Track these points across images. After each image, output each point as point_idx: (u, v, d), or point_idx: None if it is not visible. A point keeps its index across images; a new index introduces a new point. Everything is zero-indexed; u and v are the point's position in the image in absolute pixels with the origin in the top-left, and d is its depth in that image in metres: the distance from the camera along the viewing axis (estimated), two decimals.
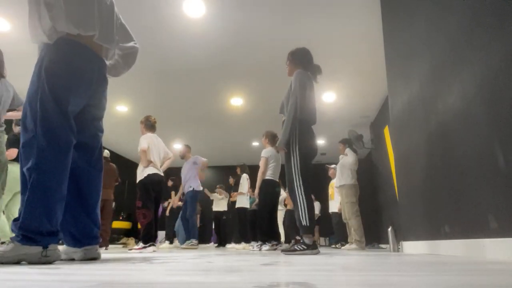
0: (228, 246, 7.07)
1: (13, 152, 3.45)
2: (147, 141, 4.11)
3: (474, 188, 1.86)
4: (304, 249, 2.57)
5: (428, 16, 2.46)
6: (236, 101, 6.47)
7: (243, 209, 6.17)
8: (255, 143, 9.05)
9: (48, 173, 1.49)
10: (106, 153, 5.59)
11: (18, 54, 4.86)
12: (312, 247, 2.58)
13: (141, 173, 4.06)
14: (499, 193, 1.62)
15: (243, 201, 6.18)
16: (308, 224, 2.59)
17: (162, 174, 4.18)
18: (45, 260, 1.42)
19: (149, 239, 3.84)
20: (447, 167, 2.22)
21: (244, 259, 1.78)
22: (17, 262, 1.40)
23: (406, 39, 2.97)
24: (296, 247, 2.61)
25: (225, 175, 8.54)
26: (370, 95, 6.12)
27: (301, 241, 2.63)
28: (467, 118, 1.92)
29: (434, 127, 2.41)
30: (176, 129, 8.03)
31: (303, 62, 3.02)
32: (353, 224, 4.83)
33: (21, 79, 5.53)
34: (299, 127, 2.77)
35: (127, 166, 10.46)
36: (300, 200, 2.64)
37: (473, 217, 1.89)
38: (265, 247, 4.35)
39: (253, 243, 4.78)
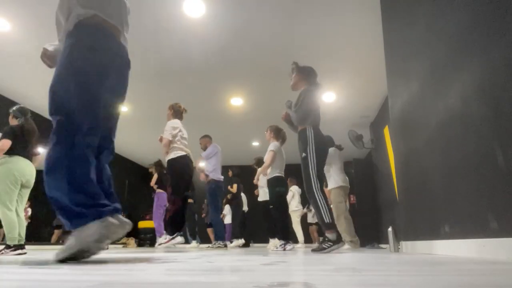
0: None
1: (4, 145, 3.25)
2: (175, 124, 4.05)
3: (474, 188, 1.86)
4: (331, 246, 2.88)
5: (428, 16, 2.45)
6: (236, 101, 6.47)
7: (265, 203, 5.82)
8: (255, 143, 9.04)
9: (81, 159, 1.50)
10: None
11: (18, 54, 4.85)
12: (337, 242, 2.89)
13: (172, 155, 3.94)
14: (499, 193, 1.62)
15: (263, 194, 5.87)
16: (330, 221, 2.93)
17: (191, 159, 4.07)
18: (108, 231, 1.41)
19: (174, 228, 3.73)
20: (447, 167, 2.22)
21: (244, 259, 1.78)
22: (83, 256, 1.40)
23: (406, 39, 2.96)
24: (324, 246, 2.92)
25: (225, 175, 8.56)
26: (370, 95, 6.12)
27: (326, 239, 2.93)
28: (467, 118, 1.92)
29: (434, 127, 2.41)
30: None
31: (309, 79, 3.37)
32: (341, 224, 4.78)
33: (21, 79, 5.53)
34: (313, 132, 3.15)
35: (127, 166, 10.46)
36: (319, 201, 2.98)
37: (473, 217, 1.89)
38: (289, 246, 4.12)
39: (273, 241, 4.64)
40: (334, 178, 4.91)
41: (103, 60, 1.64)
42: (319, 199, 3.00)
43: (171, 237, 3.69)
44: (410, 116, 2.96)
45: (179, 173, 3.90)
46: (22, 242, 3.24)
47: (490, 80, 1.68)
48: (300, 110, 3.23)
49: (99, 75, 1.62)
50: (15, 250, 3.12)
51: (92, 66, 1.60)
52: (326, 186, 5.17)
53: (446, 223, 2.25)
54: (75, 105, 1.52)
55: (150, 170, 6.68)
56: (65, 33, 1.67)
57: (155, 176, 6.59)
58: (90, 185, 1.48)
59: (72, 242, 1.39)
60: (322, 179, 3.14)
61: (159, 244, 3.96)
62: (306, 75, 3.38)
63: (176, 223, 3.77)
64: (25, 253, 3.13)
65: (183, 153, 3.96)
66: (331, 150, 4.95)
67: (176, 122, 4.13)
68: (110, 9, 1.74)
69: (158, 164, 6.57)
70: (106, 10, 1.72)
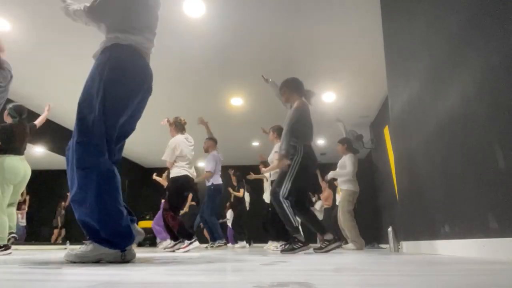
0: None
1: None
2: (176, 144, 4.15)
3: (474, 188, 1.86)
4: (327, 245, 3.01)
5: (428, 16, 2.45)
6: (236, 101, 6.47)
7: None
8: (255, 143, 9.04)
9: (109, 177, 1.54)
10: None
11: (18, 54, 4.85)
12: (334, 241, 3.00)
13: (173, 174, 4.10)
14: (499, 193, 1.62)
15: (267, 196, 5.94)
16: (297, 224, 2.99)
17: (193, 176, 4.22)
18: (123, 260, 1.49)
19: (188, 237, 3.89)
20: (446, 167, 2.22)
21: (244, 259, 1.78)
22: (97, 261, 1.46)
23: (406, 39, 2.97)
24: (322, 245, 3.05)
25: (226, 175, 8.56)
26: (370, 95, 6.12)
27: (296, 239, 2.96)
28: (467, 118, 1.92)
29: (434, 127, 2.41)
30: None
31: (298, 90, 3.34)
32: (345, 226, 4.78)
33: (21, 80, 5.53)
34: (303, 152, 3.07)
35: (127, 166, 10.46)
36: (285, 205, 2.99)
37: (473, 217, 1.89)
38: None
39: (274, 243, 4.59)
40: (349, 180, 4.88)
41: (132, 84, 1.68)
42: (284, 203, 2.96)
43: (189, 242, 3.84)
44: (410, 116, 2.96)
45: (176, 192, 4.08)
46: (13, 230, 3.23)
47: (490, 80, 1.68)
48: (295, 127, 3.12)
49: (125, 101, 1.65)
50: (5, 249, 3.10)
51: (121, 90, 1.63)
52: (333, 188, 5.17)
53: (446, 223, 2.25)
54: (97, 130, 1.56)
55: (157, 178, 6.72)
56: (100, 46, 1.69)
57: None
58: (120, 215, 1.53)
59: (88, 252, 1.46)
60: (297, 195, 3.03)
61: (178, 249, 4.03)
62: (295, 87, 3.32)
63: (187, 234, 3.94)
64: (10, 253, 3.07)
65: (185, 173, 4.09)
66: (350, 156, 4.92)
67: (176, 141, 4.20)
68: (147, 32, 1.78)
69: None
70: (144, 35, 1.75)
